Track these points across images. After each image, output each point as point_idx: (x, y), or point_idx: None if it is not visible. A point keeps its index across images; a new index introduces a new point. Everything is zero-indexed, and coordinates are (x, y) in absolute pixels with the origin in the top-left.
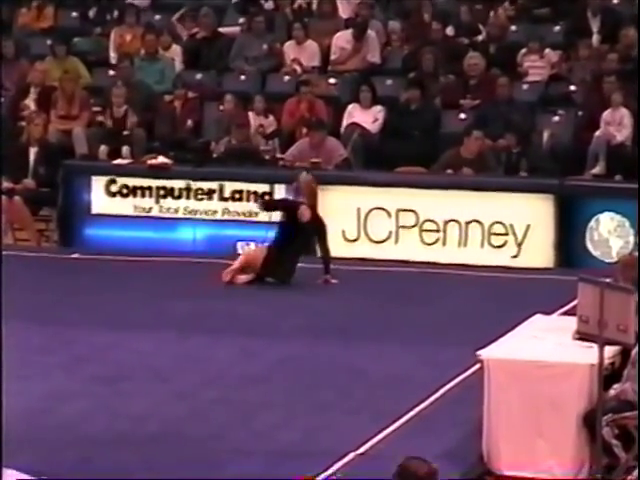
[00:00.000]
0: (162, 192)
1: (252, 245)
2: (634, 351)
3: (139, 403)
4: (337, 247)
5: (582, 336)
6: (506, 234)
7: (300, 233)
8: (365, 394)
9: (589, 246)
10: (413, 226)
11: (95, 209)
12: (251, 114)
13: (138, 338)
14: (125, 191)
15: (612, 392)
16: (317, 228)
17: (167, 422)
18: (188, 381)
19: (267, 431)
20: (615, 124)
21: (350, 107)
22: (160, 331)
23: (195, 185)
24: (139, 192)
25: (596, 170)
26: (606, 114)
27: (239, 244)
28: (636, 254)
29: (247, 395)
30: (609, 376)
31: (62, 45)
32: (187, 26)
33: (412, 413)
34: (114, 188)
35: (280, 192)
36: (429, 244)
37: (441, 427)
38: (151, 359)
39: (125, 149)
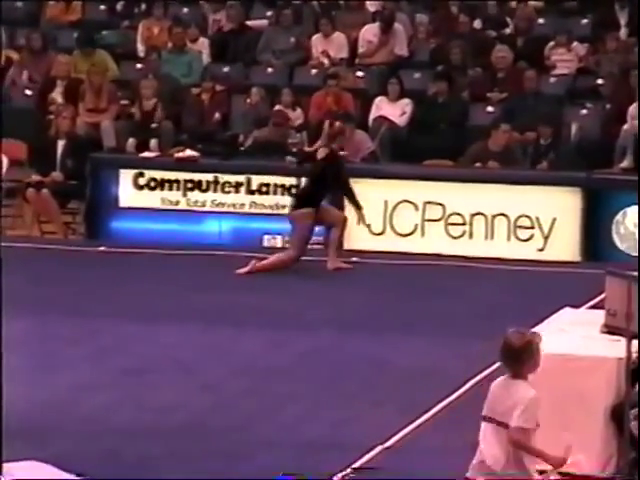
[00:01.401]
0: (189, 185)
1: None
2: None
3: (165, 395)
4: (363, 240)
5: (610, 329)
6: (532, 227)
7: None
8: (391, 387)
9: (615, 239)
10: (439, 219)
11: (123, 202)
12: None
13: (164, 330)
14: (153, 184)
15: (638, 388)
16: (335, 173)
17: (193, 414)
18: (214, 373)
19: (293, 423)
20: None
21: (378, 100)
22: (186, 323)
23: (222, 178)
24: (166, 185)
25: (624, 164)
26: (632, 108)
27: (265, 237)
28: None
29: (273, 387)
30: (637, 370)
31: (90, 38)
32: (214, 8)
33: (439, 406)
34: (142, 181)
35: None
36: (455, 237)
37: (467, 420)
38: (177, 351)
39: (153, 142)
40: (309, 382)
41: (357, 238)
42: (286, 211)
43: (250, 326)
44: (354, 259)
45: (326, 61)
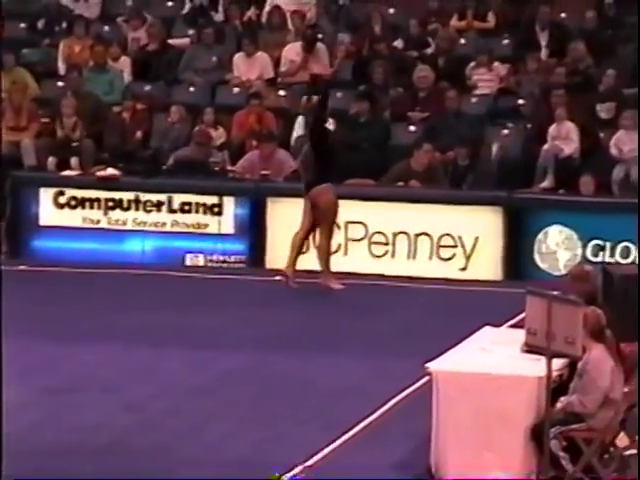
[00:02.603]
0: (111, 204)
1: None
2: (580, 363)
3: (88, 414)
4: (286, 259)
5: (530, 348)
6: (455, 246)
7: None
8: (315, 405)
9: (537, 259)
10: (362, 238)
11: (43, 221)
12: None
13: (87, 349)
14: (73, 203)
15: (559, 405)
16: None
17: (116, 433)
18: (137, 392)
19: (217, 442)
20: (561, 138)
21: (300, 119)
22: (109, 342)
23: (144, 197)
24: (87, 204)
25: (545, 184)
26: (552, 128)
27: (188, 256)
28: (586, 267)
29: (196, 406)
30: (557, 389)
31: (10, 56)
32: (133, 26)
33: (362, 425)
34: (62, 199)
35: (229, 204)
36: (378, 256)
37: (390, 439)
38: (100, 370)
39: (74, 160)
40: (232, 401)
41: (281, 257)
42: (208, 230)
43: (173, 345)
44: (278, 278)
45: (248, 79)
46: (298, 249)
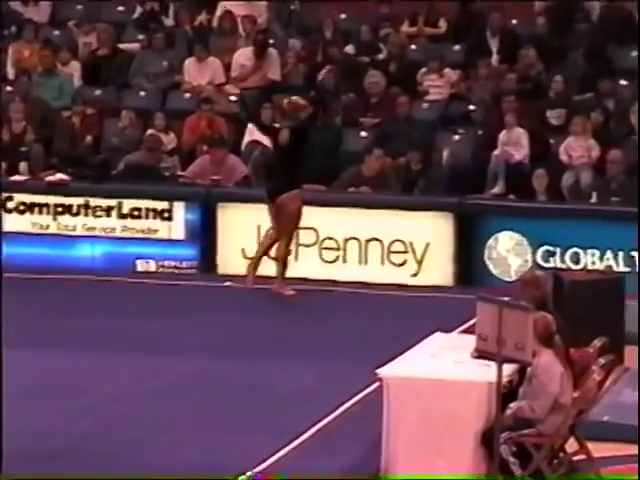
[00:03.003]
0: (60, 209)
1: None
2: (529, 369)
3: (43, 420)
4: (237, 265)
5: (481, 354)
6: (406, 252)
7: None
8: (266, 411)
9: (488, 264)
10: (313, 244)
11: None
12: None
13: (38, 355)
14: (22, 208)
15: (509, 411)
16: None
17: (71, 438)
18: (89, 398)
19: (169, 448)
20: (511, 144)
21: (251, 124)
22: (60, 348)
23: (94, 202)
24: (37, 209)
25: (496, 190)
26: (502, 135)
27: (138, 261)
28: (536, 272)
29: (148, 412)
30: (507, 394)
31: None
32: (84, 30)
33: (313, 430)
34: (11, 205)
35: (179, 209)
36: (329, 262)
37: (341, 444)
38: (52, 376)
39: (23, 165)
40: (185, 407)
41: (231, 262)
42: (158, 235)
43: (125, 351)
44: (227, 283)
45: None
46: (264, 253)
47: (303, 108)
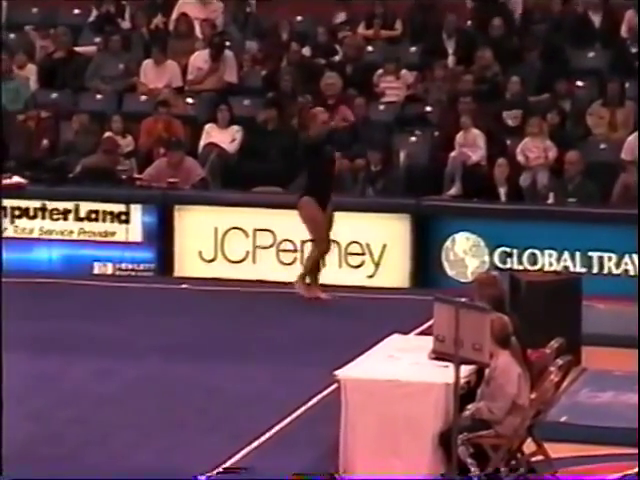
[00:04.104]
0: (17, 212)
1: None
2: (487, 370)
3: None
4: (194, 267)
5: (438, 355)
6: (363, 254)
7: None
8: (221, 413)
9: (445, 266)
10: (270, 246)
11: None
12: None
13: None
14: None
15: (467, 412)
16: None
17: (20, 443)
18: (41, 402)
19: (122, 451)
20: (468, 145)
21: (207, 127)
22: (12, 351)
23: (50, 205)
24: None
25: (452, 191)
26: (459, 136)
27: (95, 264)
28: (493, 273)
29: (102, 415)
30: (465, 395)
31: None
32: (41, 35)
33: (269, 433)
34: None
35: (136, 212)
36: (287, 264)
37: (298, 446)
38: (3, 379)
39: None
40: (138, 410)
41: (188, 265)
42: (115, 238)
43: (78, 354)
44: (184, 286)
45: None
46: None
47: (314, 118)
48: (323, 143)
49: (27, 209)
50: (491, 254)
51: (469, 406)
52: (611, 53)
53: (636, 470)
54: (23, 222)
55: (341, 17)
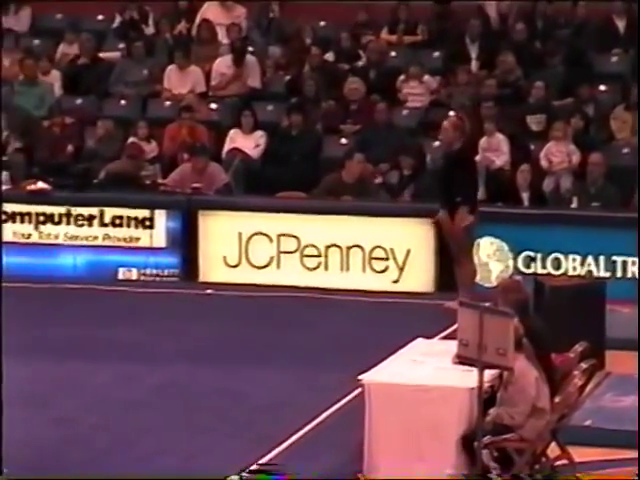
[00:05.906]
0: (42, 218)
1: None
2: (505, 374)
3: (18, 429)
4: (218, 272)
5: (462, 360)
6: (387, 259)
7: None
8: (246, 419)
9: None
10: (294, 251)
11: None
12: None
13: (17, 363)
14: (4, 217)
15: (488, 418)
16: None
17: (46, 448)
18: (68, 407)
19: (148, 456)
20: (492, 150)
21: (231, 132)
22: (40, 357)
23: (75, 211)
24: (18, 218)
25: None
26: (482, 141)
27: (120, 270)
28: (516, 277)
29: (127, 420)
30: (489, 399)
31: None
32: (65, 40)
33: (293, 437)
34: None
35: (161, 217)
36: (311, 269)
37: (322, 451)
38: (30, 385)
39: (4, 174)
40: (163, 415)
41: (212, 270)
42: (140, 244)
43: (104, 359)
44: (208, 291)
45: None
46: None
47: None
48: (469, 153)
49: (52, 215)
50: (515, 259)
51: (490, 411)
52: (634, 57)
53: None
54: (48, 228)
55: (362, 17)
